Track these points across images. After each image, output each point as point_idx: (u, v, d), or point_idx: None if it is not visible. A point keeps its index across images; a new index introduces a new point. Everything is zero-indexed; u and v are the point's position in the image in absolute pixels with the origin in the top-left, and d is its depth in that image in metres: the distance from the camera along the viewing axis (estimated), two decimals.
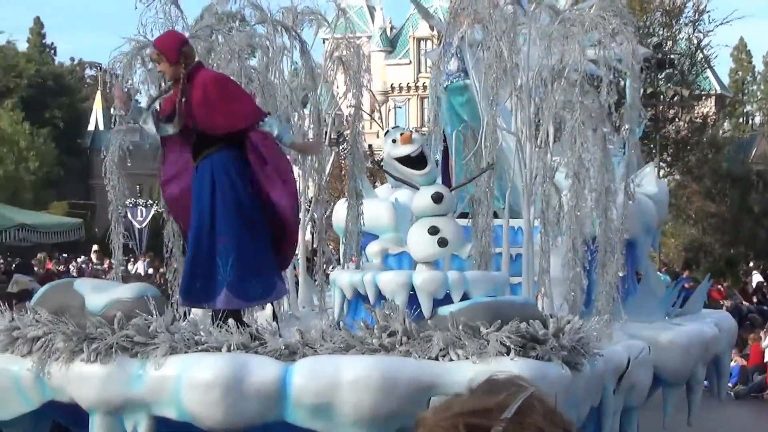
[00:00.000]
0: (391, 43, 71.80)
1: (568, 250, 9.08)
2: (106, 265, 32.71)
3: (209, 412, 7.38)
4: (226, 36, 9.96)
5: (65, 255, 38.77)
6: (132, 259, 32.42)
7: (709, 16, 39.90)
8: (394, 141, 8.44)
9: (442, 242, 8.00)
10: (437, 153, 9.96)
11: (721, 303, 31.58)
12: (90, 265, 36.45)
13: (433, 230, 8.03)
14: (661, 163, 39.08)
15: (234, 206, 8.65)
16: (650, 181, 14.10)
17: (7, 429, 8.43)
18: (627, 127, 9.50)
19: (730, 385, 24.29)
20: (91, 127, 44.24)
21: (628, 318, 11.72)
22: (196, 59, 9.03)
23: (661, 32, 39.61)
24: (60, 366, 7.78)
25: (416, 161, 8.35)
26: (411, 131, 8.48)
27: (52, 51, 66.28)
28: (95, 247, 35.82)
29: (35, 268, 30.08)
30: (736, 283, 36.90)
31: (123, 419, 7.68)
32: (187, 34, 9.96)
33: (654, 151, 37.88)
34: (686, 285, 26.67)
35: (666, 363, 11.05)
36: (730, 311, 30.54)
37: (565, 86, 9.02)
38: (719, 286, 35.12)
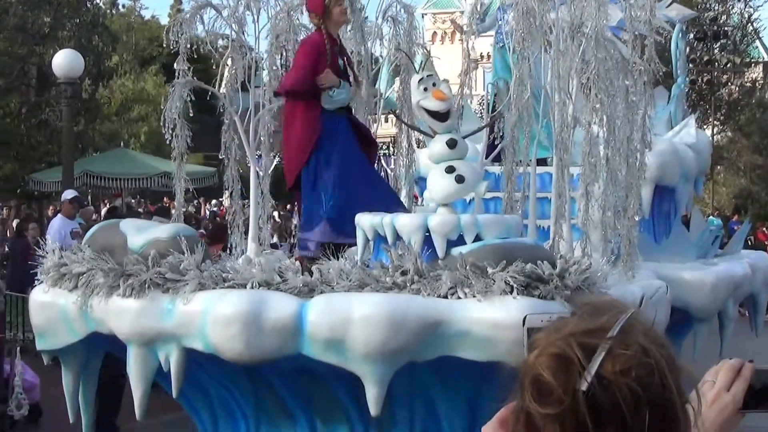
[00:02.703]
0: (482, 18, 70.15)
1: (581, 195, 8.15)
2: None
3: (231, 345, 6.59)
4: None
5: (203, 198, 38.36)
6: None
7: None
8: (425, 89, 7.51)
9: (459, 179, 7.11)
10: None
11: (766, 244, 31.00)
12: (221, 208, 36.07)
13: (450, 169, 7.16)
14: (715, 122, 38.65)
15: None
16: (690, 132, 13.22)
17: (62, 357, 7.76)
18: (645, 80, 8.55)
19: None
20: (222, 90, 43.87)
21: (662, 258, 10.97)
22: None
23: (716, 7, 38.81)
24: (100, 300, 7.07)
25: (441, 115, 7.46)
26: (443, 90, 7.50)
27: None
28: (226, 193, 35.33)
29: (171, 210, 29.80)
30: None
31: (156, 350, 6.95)
32: None
33: (709, 110, 37.65)
34: (736, 228, 26.00)
35: (694, 300, 10.30)
36: None
37: (585, 43, 8.12)
38: (764, 229, 34.52)
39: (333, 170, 8.03)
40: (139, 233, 7.34)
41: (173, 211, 27.39)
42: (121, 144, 35.71)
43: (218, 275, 6.95)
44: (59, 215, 15.81)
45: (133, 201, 36.52)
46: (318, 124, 8.08)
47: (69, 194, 15.86)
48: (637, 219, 8.81)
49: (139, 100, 40.75)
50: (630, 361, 1.81)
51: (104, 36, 28.52)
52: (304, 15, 9.39)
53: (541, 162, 9.54)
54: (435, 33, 56.50)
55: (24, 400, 12.24)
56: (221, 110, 9.22)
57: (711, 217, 31.27)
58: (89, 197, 32.44)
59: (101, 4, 34.71)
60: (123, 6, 53.02)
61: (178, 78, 9.06)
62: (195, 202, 37.62)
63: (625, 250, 8.51)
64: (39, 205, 30.34)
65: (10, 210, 31.65)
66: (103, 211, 28.95)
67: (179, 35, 8.81)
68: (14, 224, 27.14)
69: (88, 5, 28.10)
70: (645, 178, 9.32)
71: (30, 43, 24.65)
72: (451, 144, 7.20)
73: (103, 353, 8.03)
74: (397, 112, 9.47)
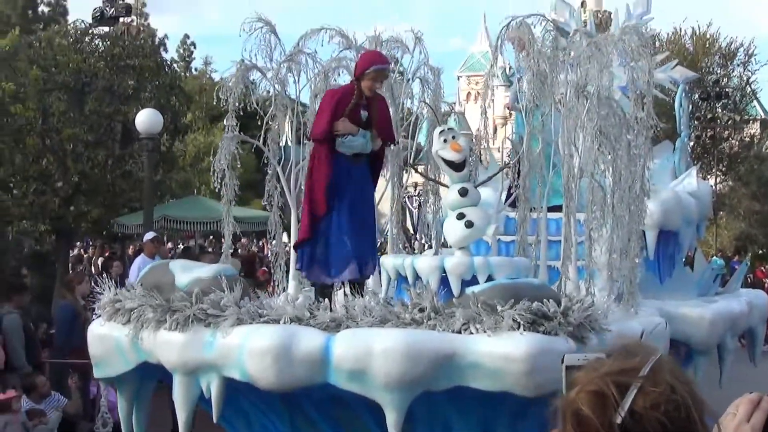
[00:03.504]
0: (509, 79, 69.78)
1: (586, 239, 7.83)
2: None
3: (264, 374, 6.36)
4: (314, 57, 8.86)
5: (264, 239, 38.23)
6: None
7: (756, 59, 38.62)
8: (445, 141, 7.27)
9: (469, 224, 6.91)
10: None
11: (764, 281, 30.44)
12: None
13: (461, 216, 6.93)
14: (717, 172, 38.27)
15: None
16: (691, 181, 12.83)
17: (118, 385, 7.53)
18: (644, 134, 8.20)
19: None
20: (281, 143, 43.77)
21: (666, 296, 10.59)
22: None
23: (719, 71, 38.45)
24: (149, 333, 6.86)
25: (457, 165, 7.20)
26: (460, 143, 7.24)
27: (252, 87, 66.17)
28: (285, 234, 35.30)
29: (239, 250, 29.65)
30: None
31: (199, 379, 6.71)
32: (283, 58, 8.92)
33: (712, 162, 37.33)
34: (737, 267, 25.46)
35: (694, 334, 9.92)
36: None
37: (589, 101, 7.81)
38: (762, 268, 33.91)
39: (337, 215, 7.74)
40: (185, 273, 7.13)
41: (239, 251, 26.90)
42: (194, 191, 35.68)
43: (254, 311, 6.72)
44: (141, 254, 15.66)
45: (205, 242, 36.47)
46: (331, 165, 7.77)
47: (149, 235, 15.75)
48: (638, 261, 8.46)
49: (209, 152, 40.78)
50: (659, 398, 1.84)
51: (180, 97, 28.57)
52: (341, 77, 9.19)
53: (558, 208, 9.21)
54: (469, 93, 56.28)
55: (109, 418, 12.09)
56: (265, 161, 8.99)
57: (715, 257, 30.67)
58: (165, 238, 32.40)
59: (177, 68, 34.88)
60: (195, 69, 53.37)
61: (226, 133, 8.83)
62: (259, 242, 37.51)
63: (627, 289, 8.15)
64: (122, 245, 30.36)
65: (95, 249, 31.70)
66: (179, 249, 28.90)
67: (228, 95, 8.61)
68: (99, 262, 27.16)
69: (166, 70, 28.22)
70: (649, 224, 8.97)
71: (116, 103, 24.76)
72: (463, 192, 6.96)
73: (155, 381, 7.79)
74: (420, 166, 9.20)
